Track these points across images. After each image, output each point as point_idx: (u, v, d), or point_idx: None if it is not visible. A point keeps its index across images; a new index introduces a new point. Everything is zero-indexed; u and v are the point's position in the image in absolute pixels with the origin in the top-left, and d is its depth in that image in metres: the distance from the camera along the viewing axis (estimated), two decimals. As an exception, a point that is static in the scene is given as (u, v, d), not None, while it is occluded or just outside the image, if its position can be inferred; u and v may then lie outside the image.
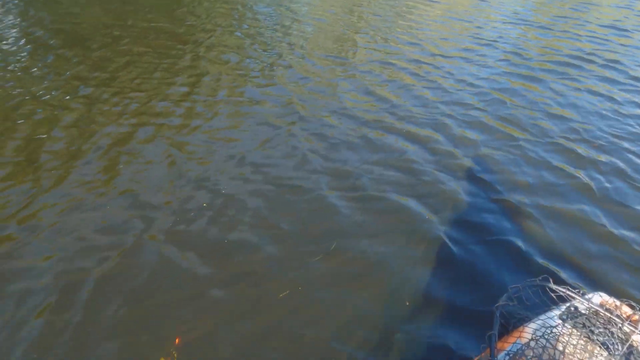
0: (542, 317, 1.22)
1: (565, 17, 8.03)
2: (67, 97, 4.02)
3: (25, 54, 5.08)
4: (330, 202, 2.73)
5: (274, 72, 4.80)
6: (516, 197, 2.90)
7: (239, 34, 6.11)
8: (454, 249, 2.41)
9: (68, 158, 3.14)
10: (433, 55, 5.57)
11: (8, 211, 2.58)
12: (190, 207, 2.64)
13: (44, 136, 3.40)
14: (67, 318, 1.94)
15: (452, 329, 1.93)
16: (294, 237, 2.43)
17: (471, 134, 3.70)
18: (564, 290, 1.23)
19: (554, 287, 1.23)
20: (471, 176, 3.13)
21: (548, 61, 5.58)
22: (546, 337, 1.07)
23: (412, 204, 2.76)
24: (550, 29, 7.12)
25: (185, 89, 4.32)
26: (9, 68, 4.65)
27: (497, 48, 5.98)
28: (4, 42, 5.42)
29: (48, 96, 4.04)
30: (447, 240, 2.46)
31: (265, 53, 5.40)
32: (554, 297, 1.22)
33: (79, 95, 4.07)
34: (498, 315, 1.19)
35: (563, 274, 2.25)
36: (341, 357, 1.79)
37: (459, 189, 2.96)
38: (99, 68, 4.71)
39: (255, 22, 6.70)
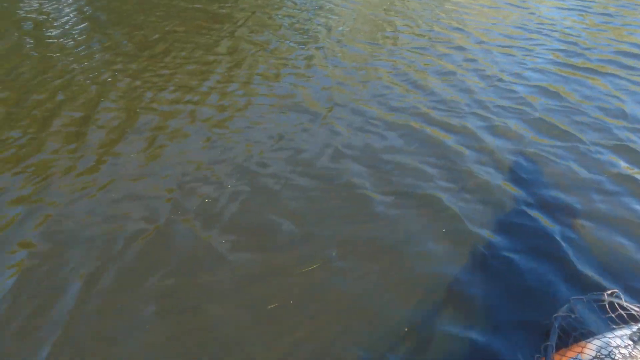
0: (608, 334, 1.10)
1: (635, 3, 7.22)
2: (114, 75, 4.19)
3: (76, 32, 5.32)
4: (362, 194, 2.66)
5: (311, 56, 4.71)
6: (566, 201, 2.68)
7: (277, 16, 6.04)
8: (495, 252, 2.28)
9: (111, 133, 3.29)
10: (480, 42, 5.22)
11: (55, 179, 2.77)
12: (222, 189, 2.68)
13: (91, 111, 3.57)
14: (100, 287, 2.05)
15: (492, 335, 1.83)
16: (322, 228, 2.40)
17: (518, 129, 3.45)
18: (636, 308, 1.11)
19: (625, 304, 1.11)
20: (516, 175, 2.93)
21: (610, 52, 5.06)
22: (612, 356, 0.97)
23: (449, 200, 2.63)
24: (613, 17, 6.44)
25: (223, 70, 4.35)
26: (63, 46, 4.90)
27: (551, 36, 5.49)
28: (60, 20, 5.71)
29: (95, 73, 4.22)
30: (487, 242, 2.33)
31: (303, 36, 5.30)
32: (624, 315, 1.10)
33: (123, 74, 4.22)
34: (557, 326, 1.10)
35: (619, 291, 2.06)
36: (368, 355, 1.75)
37: (502, 188, 2.78)
38: (143, 47, 4.84)
39: (293, 5, 6.58)
